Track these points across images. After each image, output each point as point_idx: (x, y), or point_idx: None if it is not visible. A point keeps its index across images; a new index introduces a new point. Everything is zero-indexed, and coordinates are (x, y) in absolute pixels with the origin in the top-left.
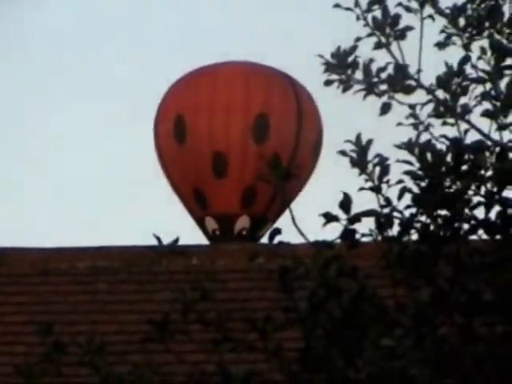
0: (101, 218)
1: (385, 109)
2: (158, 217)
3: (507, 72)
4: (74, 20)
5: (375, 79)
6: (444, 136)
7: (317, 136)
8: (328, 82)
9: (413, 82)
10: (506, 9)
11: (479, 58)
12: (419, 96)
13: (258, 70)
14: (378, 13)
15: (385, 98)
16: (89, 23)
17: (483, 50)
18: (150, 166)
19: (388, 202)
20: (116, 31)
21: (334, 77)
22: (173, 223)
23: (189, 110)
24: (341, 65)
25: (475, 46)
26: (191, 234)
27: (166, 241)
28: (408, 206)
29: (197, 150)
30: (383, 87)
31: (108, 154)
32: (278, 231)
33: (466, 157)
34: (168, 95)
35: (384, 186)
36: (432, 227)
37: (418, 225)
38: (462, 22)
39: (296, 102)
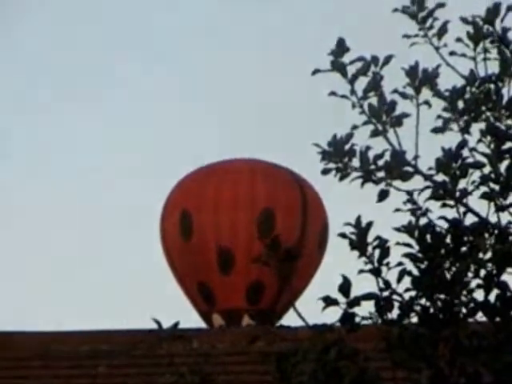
0: (104, 302)
1: (382, 196)
2: (156, 297)
3: (507, 155)
4: None
5: (372, 166)
6: (443, 217)
7: (322, 228)
8: (325, 171)
9: (410, 169)
10: (505, 92)
11: (479, 140)
12: (417, 182)
13: (262, 166)
14: (373, 100)
15: (382, 185)
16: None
17: (483, 133)
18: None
19: (387, 284)
20: None
21: (331, 165)
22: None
23: (195, 207)
24: (337, 153)
25: (475, 128)
26: (190, 314)
27: (165, 324)
28: (407, 289)
29: (203, 246)
30: (380, 174)
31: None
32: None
33: (466, 239)
34: (175, 191)
35: (384, 269)
36: (431, 310)
37: (417, 307)
38: (460, 104)
39: (301, 195)
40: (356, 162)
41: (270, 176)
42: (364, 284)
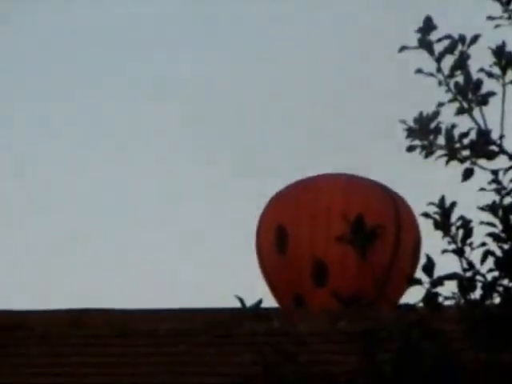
0: (179, 281)
1: (467, 174)
2: (236, 279)
3: None
4: None
5: (457, 145)
6: None
7: (415, 243)
8: (411, 148)
9: (495, 148)
10: None
11: None
12: (502, 161)
13: (356, 181)
14: (460, 78)
15: (467, 164)
16: None
17: None
18: None
19: (471, 265)
20: None
21: (417, 142)
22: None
23: (290, 221)
24: (423, 130)
25: None
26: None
27: (248, 303)
28: (491, 270)
29: (298, 260)
30: (465, 153)
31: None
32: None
33: None
34: (269, 208)
35: (467, 249)
36: None
37: (500, 288)
38: None
39: (394, 211)
40: (441, 140)
41: (363, 191)
42: (447, 264)
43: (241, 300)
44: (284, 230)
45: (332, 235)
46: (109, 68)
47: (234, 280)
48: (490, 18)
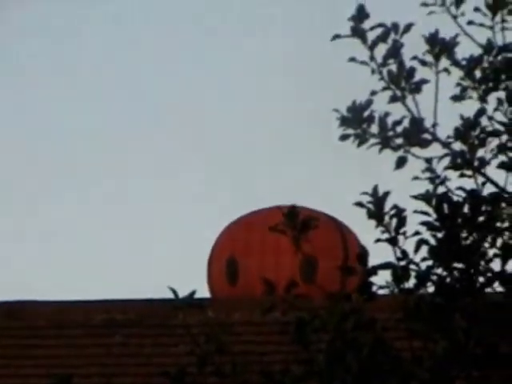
0: (116, 271)
1: (400, 163)
2: (170, 268)
3: None
4: None
5: (391, 133)
6: (461, 188)
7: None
8: (344, 137)
9: (429, 136)
10: None
11: (495, 109)
12: (435, 149)
13: (303, 213)
14: (393, 66)
15: (400, 152)
16: None
17: (500, 102)
18: None
19: (404, 254)
20: None
21: (350, 131)
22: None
23: (241, 253)
24: (356, 119)
25: (492, 97)
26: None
27: (181, 294)
28: (424, 259)
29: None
30: (399, 141)
31: None
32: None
33: (483, 208)
34: (221, 238)
35: (401, 238)
36: (448, 280)
37: (434, 277)
38: (478, 74)
39: (342, 242)
40: (375, 129)
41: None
42: (381, 253)
43: (174, 291)
44: (235, 261)
45: (281, 266)
46: None
47: (169, 271)
48: (423, 4)
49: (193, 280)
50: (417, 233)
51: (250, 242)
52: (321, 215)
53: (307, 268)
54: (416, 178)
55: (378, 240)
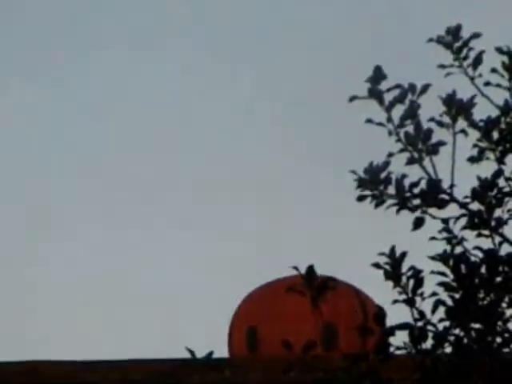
0: (131, 331)
1: (418, 223)
2: (184, 331)
3: None
4: None
5: (408, 194)
6: (478, 247)
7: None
8: (361, 198)
9: (446, 197)
10: None
11: None
12: (452, 210)
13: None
14: (410, 128)
15: (418, 213)
16: None
17: None
18: None
19: (422, 315)
20: None
21: (367, 192)
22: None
23: (261, 321)
24: (373, 180)
25: (509, 158)
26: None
27: (199, 354)
28: (442, 319)
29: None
30: (416, 202)
31: None
32: None
33: (501, 268)
34: (242, 306)
35: (418, 299)
36: (465, 340)
37: (451, 338)
38: (495, 135)
39: (362, 310)
40: (392, 190)
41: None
42: (398, 314)
43: (191, 351)
44: (255, 330)
45: (302, 334)
46: None
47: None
48: (441, 66)
49: (210, 341)
50: (434, 293)
51: (270, 311)
52: (338, 281)
53: (328, 335)
54: (433, 238)
55: (396, 301)
